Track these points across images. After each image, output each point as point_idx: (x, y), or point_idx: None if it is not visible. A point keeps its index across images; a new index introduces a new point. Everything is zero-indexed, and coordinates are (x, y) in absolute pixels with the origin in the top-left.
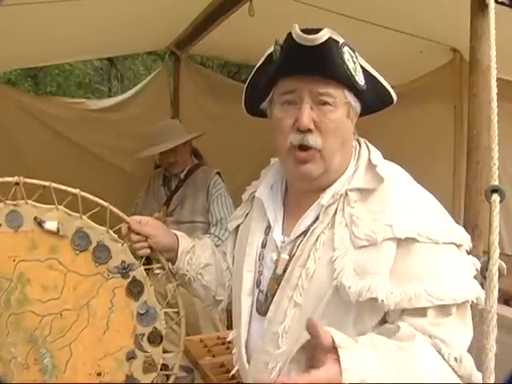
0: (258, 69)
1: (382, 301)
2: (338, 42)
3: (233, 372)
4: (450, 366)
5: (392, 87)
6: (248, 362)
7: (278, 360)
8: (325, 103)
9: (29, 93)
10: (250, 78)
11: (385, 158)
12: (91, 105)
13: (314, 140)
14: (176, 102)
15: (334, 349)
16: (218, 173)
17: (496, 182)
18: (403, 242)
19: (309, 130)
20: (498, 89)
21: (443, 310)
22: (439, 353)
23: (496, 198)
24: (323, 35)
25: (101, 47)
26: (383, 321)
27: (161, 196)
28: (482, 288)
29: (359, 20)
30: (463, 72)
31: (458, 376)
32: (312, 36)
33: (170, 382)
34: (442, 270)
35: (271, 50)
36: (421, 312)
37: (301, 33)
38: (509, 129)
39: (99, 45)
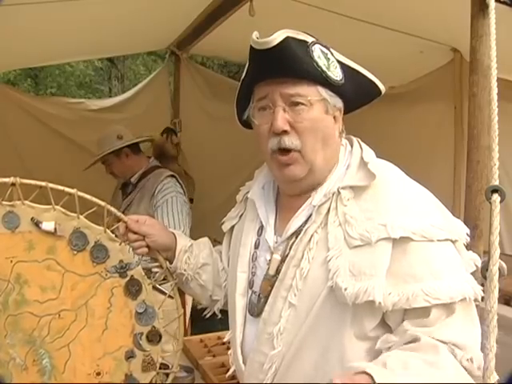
0: (242, 81)
1: (380, 303)
2: (306, 42)
3: (230, 373)
4: (465, 367)
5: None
6: (244, 362)
7: (273, 360)
8: (297, 103)
9: (29, 93)
10: (237, 92)
11: (385, 157)
12: (91, 105)
13: (289, 141)
14: (176, 102)
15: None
16: (172, 175)
17: (496, 182)
18: (398, 242)
19: (284, 132)
20: (498, 89)
21: (446, 308)
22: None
23: (496, 197)
24: (277, 37)
25: (101, 47)
26: (382, 323)
27: (118, 201)
28: (482, 287)
29: (359, 20)
30: (463, 72)
31: (473, 377)
32: (264, 39)
33: (169, 381)
34: (438, 269)
35: None
36: (424, 313)
37: (256, 38)
38: (509, 129)
39: (99, 45)
